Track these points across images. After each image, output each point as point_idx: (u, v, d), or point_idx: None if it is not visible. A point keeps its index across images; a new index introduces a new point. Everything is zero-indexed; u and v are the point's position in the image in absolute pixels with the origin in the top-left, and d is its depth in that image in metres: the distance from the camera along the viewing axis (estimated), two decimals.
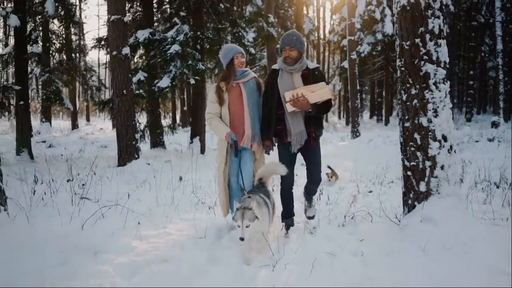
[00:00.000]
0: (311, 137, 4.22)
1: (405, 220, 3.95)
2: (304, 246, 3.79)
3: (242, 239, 3.34)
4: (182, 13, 11.17)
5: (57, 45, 14.96)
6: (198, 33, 10.88)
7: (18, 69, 11.86)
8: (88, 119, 39.25)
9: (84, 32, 23.12)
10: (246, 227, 3.36)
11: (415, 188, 3.95)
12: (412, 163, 3.96)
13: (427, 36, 3.81)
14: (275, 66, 4.35)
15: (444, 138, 3.87)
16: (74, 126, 26.43)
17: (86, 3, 31.88)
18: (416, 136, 3.90)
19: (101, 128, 29.25)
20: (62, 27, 14.97)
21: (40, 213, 4.80)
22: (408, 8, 3.88)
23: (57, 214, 4.79)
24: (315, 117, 4.20)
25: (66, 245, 3.74)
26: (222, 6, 13.33)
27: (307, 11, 34.97)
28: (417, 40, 3.84)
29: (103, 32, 46.68)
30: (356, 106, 17.71)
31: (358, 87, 18.71)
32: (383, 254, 3.48)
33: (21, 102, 11.80)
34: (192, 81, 10.56)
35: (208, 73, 12.12)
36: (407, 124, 3.97)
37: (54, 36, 15.23)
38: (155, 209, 5.28)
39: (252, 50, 14.97)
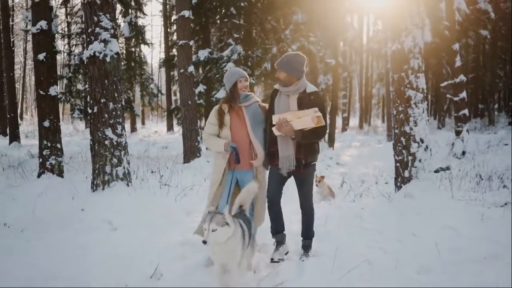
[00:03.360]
0: (301, 163, 4.13)
1: (394, 196, 5.78)
2: (323, 210, 5.69)
3: (204, 242, 3.14)
4: (235, 35, 13.23)
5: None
6: (249, 52, 12.90)
7: None
8: (143, 123, 42.24)
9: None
10: (213, 231, 3.19)
11: (402, 175, 5.76)
12: (400, 158, 5.77)
13: (409, 71, 5.62)
14: (276, 86, 4.34)
15: (421, 141, 5.65)
16: (133, 129, 28.85)
17: (144, 18, 34.73)
18: (402, 139, 5.71)
19: (155, 131, 31.51)
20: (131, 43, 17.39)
21: (141, 192, 6.89)
22: (396, 52, 5.70)
23: (153, 193, 6.86)
24: (306, 143, 4.11)
25: (170, 208, 5.83)
26: (269, 25, 15.33)
27: (351, 19, 36.25)
28: (402, 74, 5.65)
29: (156, 41, 49.80)
30: (390, 111, 19.20)
31: None
32: (374, 215, 5.34)
33: None
34: None
35: (256, 85, 14.13)
36: (396, 131, 5.79)
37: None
38: None
39: None
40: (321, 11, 16.51)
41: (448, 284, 3.65)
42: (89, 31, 5.75)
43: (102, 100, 5.75)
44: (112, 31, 5.79)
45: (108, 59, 5.75)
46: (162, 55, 27.46)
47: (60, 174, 8.25)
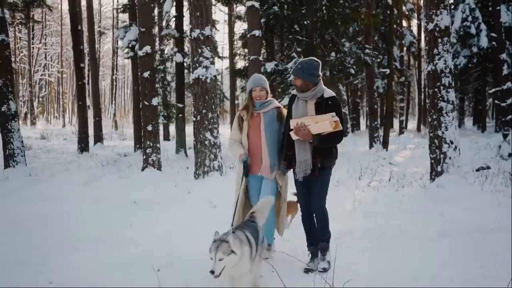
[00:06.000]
0: (317, 167, 4.17)
1: (429, 186, 7.28)
2: (371, 195, 7.29)
3: (212, 272, 3.17)
4: (298, 49, 14.99)
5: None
6: None
7: (179, 92, 16.44)
8: None
9: None
10: (219, 260, 3.20)
11: (435, 169, 7.27)
12: (433, 156, 7.29)
13: (441, 87, 7.11)
14: (294, 92, 4.38)
15: (451, 142, 7.14)
16: None
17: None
18: (436, 141, 7.22)
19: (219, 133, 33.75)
20: None
21: (228, 181, 8.73)
22: (431, 72, 7.21)
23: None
24: (323, 147, 4.15)
25: None
26: (329, 37, 16.93)
27: (408, 24, 36.98)
28: (436, 89, 7.16)
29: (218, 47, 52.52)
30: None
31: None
32: (411, 200, 6.90)
33: (180, 115, 16.35)
34: None
35: None
36: (431, 134, 7.33)
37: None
38: None
39: (352, 71, 18.30)
40: (377, 22, 17.87)
41: (460, 243, 5.13)
42: (194, 59, 7.76)
43: (203, 111, 7.73)
44: (211, 59, 7.77)
45: (208, 80, 7.73)
46: (225, 61, 29.79)
47: (159, 168, 10.34)
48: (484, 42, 25.66)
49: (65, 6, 42.35)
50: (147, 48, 10.05)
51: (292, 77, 4.36)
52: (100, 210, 6.98)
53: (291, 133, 4.14)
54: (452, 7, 26.48)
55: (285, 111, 4.59)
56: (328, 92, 4.22)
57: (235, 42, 27.19)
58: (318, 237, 4.43)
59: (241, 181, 4.53)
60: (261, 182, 4.55)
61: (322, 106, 4.14)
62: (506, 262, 4.34)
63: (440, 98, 7.10)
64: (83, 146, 17.83)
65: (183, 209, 6.89)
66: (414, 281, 3.89)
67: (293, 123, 4.12)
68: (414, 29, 37.75)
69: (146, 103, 10.10)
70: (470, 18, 25.80)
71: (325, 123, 3.96)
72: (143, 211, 6.91)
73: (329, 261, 4.30)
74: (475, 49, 26.20)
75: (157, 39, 17.98)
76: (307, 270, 4.26)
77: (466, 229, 5.61)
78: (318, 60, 4.30)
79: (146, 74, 10.09)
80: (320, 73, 4.23)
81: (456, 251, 4.87)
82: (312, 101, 4.19)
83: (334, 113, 4.03)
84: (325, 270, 4.20)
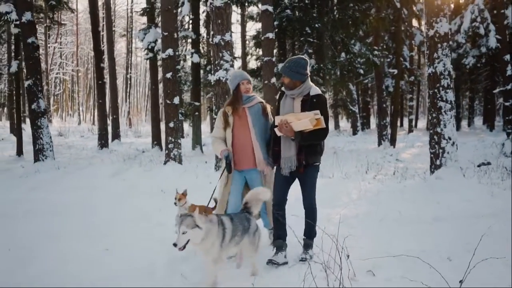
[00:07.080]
0: (302, 164, 4.25)
1: (428, 178, 7.99)
2: (376, 186, 8.02)
3: (174, 245, 3.30)
4: (309, 50, 15.72)
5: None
6: (321, 65, 15.32)
7: (195, 91, 17.26)
8: None
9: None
10: (183, 233, 3.31)
11: (435, 163, 7.98)
12: (433, 150, 8.00)
13: (440, 88, 7.81)
14: (283, 89, 4.47)
15: (449, 138, 7.83)
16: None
17: None
18: (435, 137, 7.92)
19: None
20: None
21: None
22: (431, 74, 7.90)
23: None
24: (308, 144, 4.23)
25: None
26: (339, 39, 17.63)
27: (419, 24, 37.36)
28: (435, 90, 7.85)
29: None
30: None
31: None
32: (412, 191, 7.61)
33: (196, 113, 17.15)
34: None
35: (326, 92, 16.48)
36: (431, 131, 8.02)
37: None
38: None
39: (361, 71, 18.98)
40: (385, 25, 18.50)
41: (451, 226, 5.82)
42: (215, 62, 8.55)
43: None
44: (231, 62, 8.56)
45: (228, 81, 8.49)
46: (237, 61, 30.47)
47: (180, 162, 11.15)
48: (492, 42, 26.11)
49: (80, 6, 43.65)
50: (170, 51, 10.86)
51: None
52: (132, 197, 7.81)
53: (276, 129, 4.25)
54: (462, 7, 27.02)
55: (268, 106, 4.77)
56: (315, 90, 4.31)
57: (247, 42, 27.85)
58: (283, 235, 4.44)
59: (221, 176, 4.70)
60: (244, 177, 4.68)
61: (307, 103, 4.22)
62: (489, 241, 5.03)
63: (440, 98, 7.80)
64: (103, 142, 18.64)
65: (206, 196, 7.63)
66: (407, 252, 4.59)
67: (277, 120, 4.25)
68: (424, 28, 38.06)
69: (168, 101, 10.92)
70: (479, 19, 26.22)
71: (306, 121, 4.06)
72: (171, 198, 7.68)
73: (311, 256, 4.36)
74: (483, 49, 26.65)
75: None
76: (269, 261, 4.23)
77: (459, 215, 6.29)
78: (306, 58, 4.40)
79: (168, 75, 10.90)
80: (308, 72, 4.33)
81: (447, 232, 5.56)
82: (298, 99, 4.29)
83: (318, 111, 4.11)
84: (303, 259, 4.28)
